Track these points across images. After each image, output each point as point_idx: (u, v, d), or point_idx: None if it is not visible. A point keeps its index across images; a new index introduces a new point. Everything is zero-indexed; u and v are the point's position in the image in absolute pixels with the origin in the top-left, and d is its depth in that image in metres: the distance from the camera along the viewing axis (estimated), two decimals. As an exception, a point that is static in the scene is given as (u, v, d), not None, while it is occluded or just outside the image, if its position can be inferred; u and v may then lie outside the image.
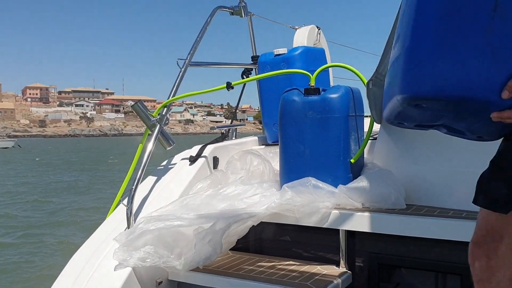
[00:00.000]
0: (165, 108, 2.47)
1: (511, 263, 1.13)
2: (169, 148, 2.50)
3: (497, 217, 1.13)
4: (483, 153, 2.13)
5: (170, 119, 2.63)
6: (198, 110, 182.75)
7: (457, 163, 2.20)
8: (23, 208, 12.81)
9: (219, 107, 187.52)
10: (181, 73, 2.58)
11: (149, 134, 2.39)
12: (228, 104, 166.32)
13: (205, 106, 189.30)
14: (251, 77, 3.23)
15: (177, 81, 2.57)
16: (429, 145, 2.31)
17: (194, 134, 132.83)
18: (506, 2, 0.98)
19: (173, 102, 2.57)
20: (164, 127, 2.42)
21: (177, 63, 2.59)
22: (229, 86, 2.53)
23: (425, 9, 1.04)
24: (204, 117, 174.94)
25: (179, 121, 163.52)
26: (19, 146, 56.99)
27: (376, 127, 2.50)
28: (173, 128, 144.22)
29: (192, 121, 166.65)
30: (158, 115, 2.43)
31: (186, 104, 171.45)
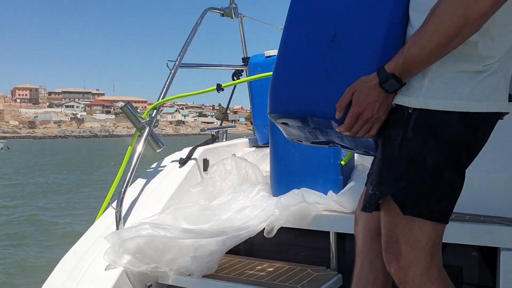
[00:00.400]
0: (155, 110, 2.45)
1: (416, 259, 1.17)
2: (158, 151, 2.48)
3: (388, 220, 1.20)
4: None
5: (161, 120, 2.62)
6: (190, 111, 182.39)
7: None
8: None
9: (211, 108, 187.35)
10: (171, 75, 2.57)
11: (138, 136, 2.37)
12: (219, 105, 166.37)
13: (197, 107, 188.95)
14: (241, 79, 3.23)
15: (167, 83, 2.56)
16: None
17: (185, 135, 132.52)
18: (342, 34, 1.19)
19: (164, 103, 2.56)
20: (154, 129, 2.40)
21: (167, 65, 2.58)
22: (219, 88, 2.53)
23: (286, 41, 1.29)
24: (195, 118, 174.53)
25: (170, 122, 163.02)
26: (7, 148, 56.44)
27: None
28: (164, 129, 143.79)
29: (183, 122, 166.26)
30: (147, 117, 2.41)
31: (177, 105, 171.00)
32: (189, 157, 2.56)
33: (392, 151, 1.14)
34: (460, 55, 1.08)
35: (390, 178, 1.15)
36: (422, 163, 1.11)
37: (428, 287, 1.19)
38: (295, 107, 1.23)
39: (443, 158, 1.11)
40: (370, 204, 1.20)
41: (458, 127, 1.09)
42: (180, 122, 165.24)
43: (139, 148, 2.27)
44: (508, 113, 1.18)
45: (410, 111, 1.11)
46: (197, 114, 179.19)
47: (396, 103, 1.13)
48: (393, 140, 1.14)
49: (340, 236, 2.16)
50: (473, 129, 1.10)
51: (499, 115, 1.14)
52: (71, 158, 36.65)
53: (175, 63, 2.59)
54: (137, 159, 2.22)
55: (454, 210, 2.08)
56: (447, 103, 1.08)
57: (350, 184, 2.22)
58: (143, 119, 2.39)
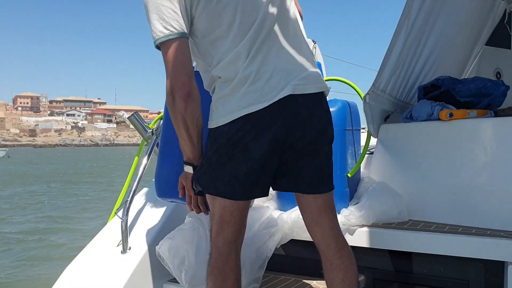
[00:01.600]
0: (161, 120, 2.45)
1: (212, 225, 1.66)
2: (164, 160, 2.48)
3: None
4: (478, 169, 2.15)
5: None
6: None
7: (453, 178, 2.21)
8: None
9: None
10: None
11: (145, 146, 2.37)
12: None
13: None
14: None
15: None
16: (426, 160, 2.32)
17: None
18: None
19: None
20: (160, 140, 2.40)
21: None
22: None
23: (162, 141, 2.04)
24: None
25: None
26: (8, 156, 56.42)
27: (373, 141, 2.51)
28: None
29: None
30: (154, 126, 2.41)
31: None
32: None
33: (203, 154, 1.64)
34: (218, 91, 1.59)
35: (197, 169, 1.63)
36: (209, 159, 1.58)
37: (213, 251, 1.64)
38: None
39: (221, 155, 1.55)
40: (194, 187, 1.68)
41: (224, 135, 1.54)
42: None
43: (146, 158, 2.27)
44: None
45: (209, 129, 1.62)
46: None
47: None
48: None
49: None
50: (232, 134, 1.53)
51: (249, 119, 1.53)
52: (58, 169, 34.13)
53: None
54: (144, 168, 2.22)
55: (460, 224, 2.10)
56: (217, 121, 1.56)
57: (357, 198, 2.22)
58: (150, 128, 2.40)
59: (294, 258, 2.26)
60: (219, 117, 1.56)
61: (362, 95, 2.43)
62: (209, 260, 1.65)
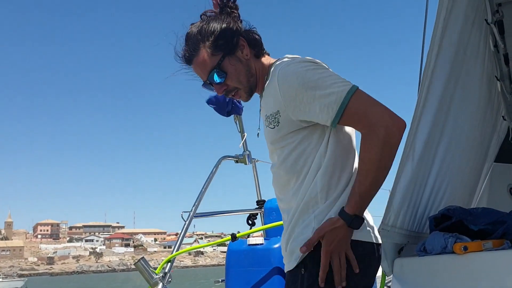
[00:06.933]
0: (169, 264, 2.41)
1: None
2: (171, 308, 2.39)
3: None
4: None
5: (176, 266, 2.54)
6: (209, 240, 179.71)
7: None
8: None
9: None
10: (185, 226, 2.57)
11: (151, 292, 2.30)
12: (239, 233, 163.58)
13: (216, 236, 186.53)
14: (257, 228, 3.18)
15: (182, 234, 2.55)
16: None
17: (204, 267, 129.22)
18: None
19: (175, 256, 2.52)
20: (167, 286, 2.34)
21: (182, 216, 2.60)
22: (234, 237, 2.52)
23: None
24: (214, 247, 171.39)
25: (189, 253, 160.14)
26: (26, 287, 55.28)
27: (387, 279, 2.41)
28: (182, 261, 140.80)
29: (202, 253, 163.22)
30: (161, 272, 2.37)
31: (196, 235, 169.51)
32: None
33: None
34: None
35: None
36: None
37: None
38: None
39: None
40: None
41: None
42: (199, 253, 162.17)
43: None
44: None
45: None
46: (217, 244, 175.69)
47: None
48: None
49: None
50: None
51: None
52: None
53: (189, 214, 2.61)
54: None
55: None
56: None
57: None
58: (156, 274, 2.35)
59: None
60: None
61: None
62: None
